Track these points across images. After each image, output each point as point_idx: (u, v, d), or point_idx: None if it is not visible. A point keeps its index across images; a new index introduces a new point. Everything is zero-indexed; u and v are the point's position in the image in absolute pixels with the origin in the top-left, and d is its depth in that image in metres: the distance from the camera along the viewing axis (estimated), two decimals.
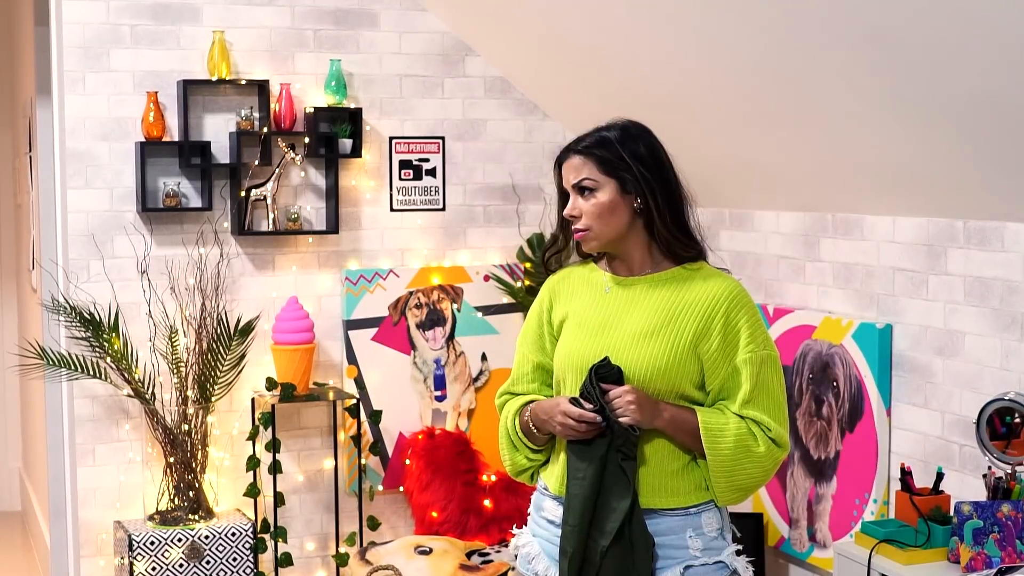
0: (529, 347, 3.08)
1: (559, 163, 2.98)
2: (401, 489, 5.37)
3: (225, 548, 4.84)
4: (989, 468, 3.71)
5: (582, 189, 2.92)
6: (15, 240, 7.44)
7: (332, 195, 5.20)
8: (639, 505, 2.86)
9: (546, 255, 3.11)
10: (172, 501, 4.93)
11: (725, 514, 2.97)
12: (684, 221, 2.96)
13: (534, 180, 5.53)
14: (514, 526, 3.21)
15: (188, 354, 4.98)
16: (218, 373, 4.89)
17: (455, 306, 5.41)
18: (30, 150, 6.27)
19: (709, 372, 2.89)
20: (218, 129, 5.09)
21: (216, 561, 4.83)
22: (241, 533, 4.86)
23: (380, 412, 5.26)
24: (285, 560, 5.08)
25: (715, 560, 2.90)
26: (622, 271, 2.99)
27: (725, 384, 2.89)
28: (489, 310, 5.47)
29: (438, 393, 5.42)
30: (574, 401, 2.86)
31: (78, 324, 4.82)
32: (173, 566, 4.77)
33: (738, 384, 2.87)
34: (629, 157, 2.89)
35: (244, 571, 4.87)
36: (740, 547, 2.97)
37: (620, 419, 2.81)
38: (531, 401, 3.03)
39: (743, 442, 2.84)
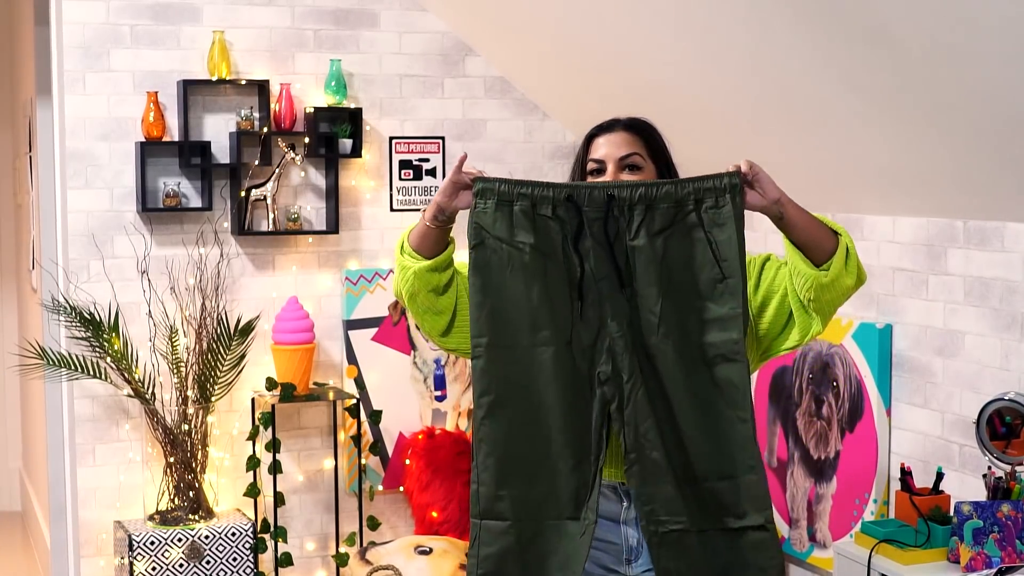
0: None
1: (592, 137, 2.86)
2: (401, 489, 5.37)
3: (225, 548, 4.84)
4: (989, 468, 3.71)
5: (628, 164, 2.80)
6: (15, 240, 7.44)
7: (332, 195, 5.20)
8: None
9: None
10: (172, 501, 4.93)
11: None
12: None
13: None
14: None
15: (188, 354, 4.98)
16: (218, 373, 4.89)
17: None
18: (30, 150, 6.27)
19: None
20: (218, 129, 5.09)
21: (216, 561, 4.83)
22: (241, 533, 4.86)
23: (380, 412, 5.26)
24: (285, 560, 5.08)
25: None
26: None
27: (773, 301, 2.74)
28: None
29: (438, 393, 5.42)
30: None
31: (78, 324, 4.82)
32: (173, 566, 4.77)
33: (791, 262, 2.69)
34: (664, 147, 2.87)
35: (244, 571, 4.87)
36: None
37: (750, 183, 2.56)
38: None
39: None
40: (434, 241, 2.70)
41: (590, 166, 2.84)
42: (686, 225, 2.60)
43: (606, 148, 2.82)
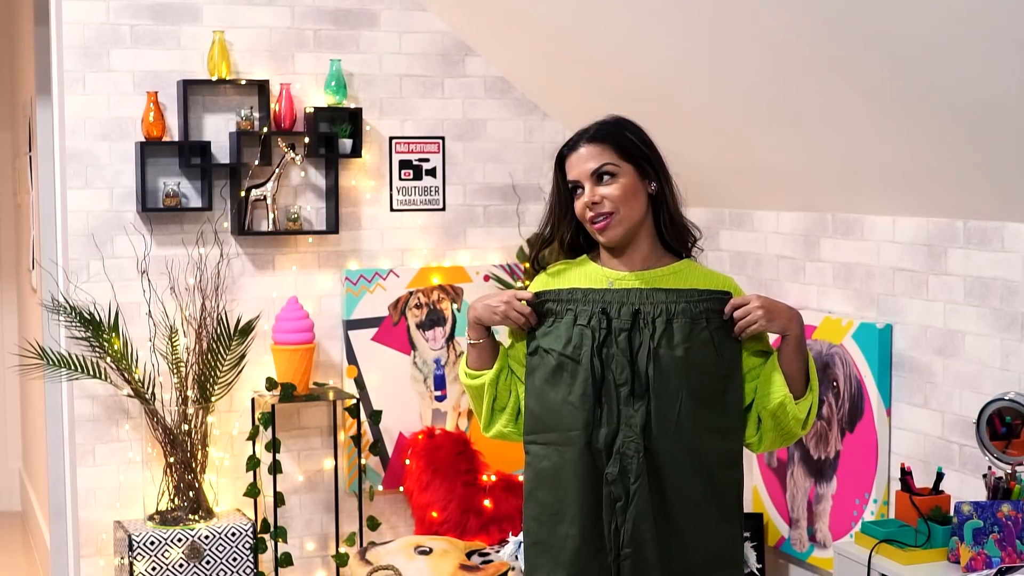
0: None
1: (562, 158, 2.89)
2: (401, 489, 5.37)
3: (225, 548, 4.84)
4: (989, 468, 3.71)
5: (602, 175, 2.82)
6: (15, 240, 7.44)
7: (332, 195, 5.20)
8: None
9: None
10: (172, 501, 4.93)
11: None
12: (681, 212, 2.94)
13: (534, 180, 5.53)
14: (510, 534, 3.21)
15: (188, 354, 4.98)
16: (218, 373, 4.89)
17: (455, 306, 5.42)
18: (30, 150, 6.27)
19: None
20: (218, 129, 5.10)
21: (216, 561, 4.83)
22: (241, 533, 4.86)
23: (380, 412, 5.27)
24: (285, 560, 5.08)
25: None
26: (623, 266, 2.89)
27: (757, 372, 2.88)
28: None
29: (438, 393, 5.42)
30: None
31: (78, 324, 4.82)
32: (173, 566, 4.77)
33: (774, 372, 2.85)
34: (640, 142, 2.86)
35: (244, 571, 4.87)
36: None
37: (748, 328, 2.77)
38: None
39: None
40: (491, 349, 2.94)
41: (570, 185, 2.89)
42: (700, 340, 2.78)
43: (577, 167, 2.86)
